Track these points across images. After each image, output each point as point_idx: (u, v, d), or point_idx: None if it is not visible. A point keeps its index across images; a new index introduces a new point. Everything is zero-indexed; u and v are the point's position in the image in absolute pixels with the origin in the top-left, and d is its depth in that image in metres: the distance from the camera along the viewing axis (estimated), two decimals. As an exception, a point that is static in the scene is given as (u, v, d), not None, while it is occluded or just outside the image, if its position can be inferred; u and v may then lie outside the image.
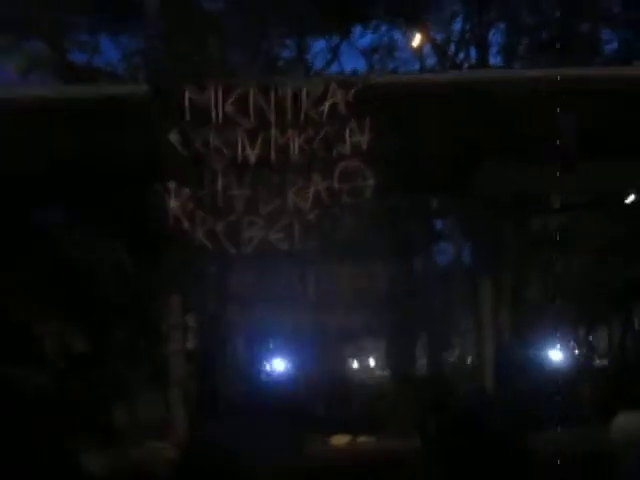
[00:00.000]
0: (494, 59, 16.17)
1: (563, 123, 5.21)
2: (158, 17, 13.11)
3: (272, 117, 5.20)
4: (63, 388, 5.00)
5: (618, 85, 5.27)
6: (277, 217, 5.23)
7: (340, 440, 5.99)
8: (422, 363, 7.73)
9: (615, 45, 15.27)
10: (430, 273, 8.80)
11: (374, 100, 5.15)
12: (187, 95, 5.16)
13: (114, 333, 6.81)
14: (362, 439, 6.00)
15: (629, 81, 5.37)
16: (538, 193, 7.38)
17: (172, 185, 5.19)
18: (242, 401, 5.92)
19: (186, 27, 13.37)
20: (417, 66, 16.38)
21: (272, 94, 5.19)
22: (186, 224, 5.20)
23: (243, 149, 5.21)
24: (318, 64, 16.78)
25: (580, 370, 9.77)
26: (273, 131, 5.20)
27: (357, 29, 16.66)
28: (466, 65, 15.91)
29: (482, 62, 15.68)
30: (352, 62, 17.70)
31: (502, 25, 16.21)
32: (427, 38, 16.22)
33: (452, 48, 16.66)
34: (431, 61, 16.57)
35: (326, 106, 5.19)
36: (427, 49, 16.60)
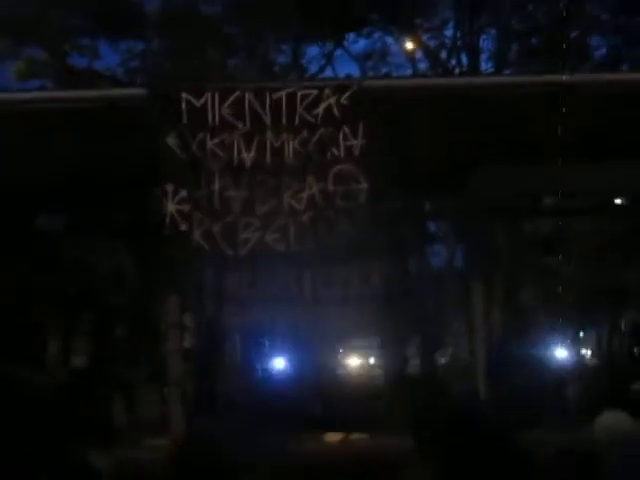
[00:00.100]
0: (485, 65, 16.33)
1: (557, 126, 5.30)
2: (158, 23, 13.20)
3: (267, 121, 5.28)
4: (63, 387, 5.06)
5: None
6: (273, 219, 5.31)
7: (334, 438, 6.06)
8: (416, 363, 7.82)
9: (604, 51, 15.45)
10: (424, 275, 8.89)
11: (368, 104, 5.23)
12: (185, 99, 5.24)
13: (113, 332, 6.87)
14: (356, 437, 6.08)
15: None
16: (531, 196, 7.46)
17: (170, 187, 5.27)
18: (238, 399, 6.01)
19: (185, 32, 13.45)
20: (410, 71, 16.51)
21: (267, 98, 5.27)
22: (183, 225, 5.28)
23: (239, 152, 5.29)
24: (312, 69, 16.92)
25: (570, 370, 9.86)
26: (268, 134, 5.28)
27: (351, 35, 16.81)
28: (457, 70, 16.05)
29: (473, 67, 15.82)
30: (346, 67, 17.83)
31: (493, 31, 16.37)
32: (419, 44, 16.35)
33: (444, 54, 16.80)
34: (423, 66, 16.71)
35: (320, 110, 5.27)
36: (419, 55, 16.75)
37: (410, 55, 16.60)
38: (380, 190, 5.39)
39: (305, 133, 5.28)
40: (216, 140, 5.28)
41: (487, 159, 5.99)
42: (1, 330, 5.97)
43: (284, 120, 5.29)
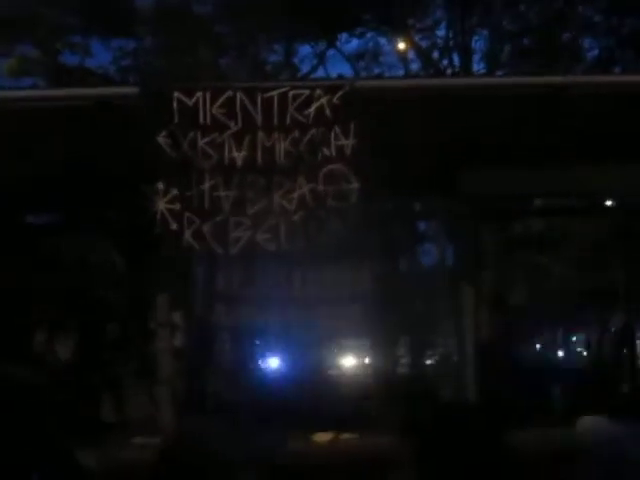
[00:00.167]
0: (477, 65, 16.38)
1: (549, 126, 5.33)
2: (151, 21, 13.19)
3: (259, 120, 5.29)
4: (55, 386, 5.05)
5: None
6: (264, 218, 5.31)
7: (323, 437, 6.06)
8: (405, 362, 7.83)
9: (596, 52, 15.52)
10: (414, 274, 8.91)
11: (359, 104, 5.24)
12: (176, 98, 5.24)
13: (105, 331, 6.86)
14: (345, 437, 6.08)
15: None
16: (522, 197, 7.49)
17: (161, 186, 5.27)
18: (229, 399, 6.00)
19: (177, 31, 13.45)
20: (402, 72, 16.55)
21: (259, 98, 5.27)
22: (174, 224, 5.27)
23: (230, 151, 5.29)
24: (304, 69, 16.94)
25: (557, 370, 9.90)
26: (260, 134, 5.29)
27: (343, 35, 16.84)
28: (450, 71, 16.09)
29: (466, 68, 15.87)
30: (338, 67, 17.87)
31: (485, 32, 16.42)
32: (412, 44, 16.39)
33: (436, 54, 16.85)
34: (415, 67, 16.76)
35: (312, 110, 5.28)
36: (412, 55, 16.79)
37: (402, 55, 16.65)
38: (371, 190, 5.39)
39: (296, 133, 5.29)
40: (207, 139, 5.28)
41: (479, 160, 6.00)
42: None
43: (275, 120, 5.29)
